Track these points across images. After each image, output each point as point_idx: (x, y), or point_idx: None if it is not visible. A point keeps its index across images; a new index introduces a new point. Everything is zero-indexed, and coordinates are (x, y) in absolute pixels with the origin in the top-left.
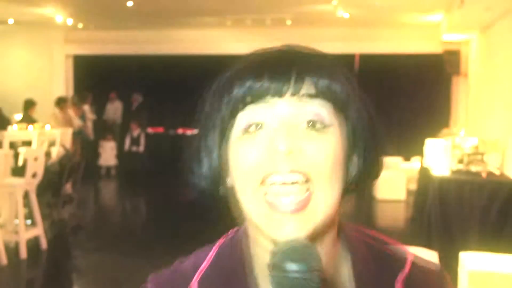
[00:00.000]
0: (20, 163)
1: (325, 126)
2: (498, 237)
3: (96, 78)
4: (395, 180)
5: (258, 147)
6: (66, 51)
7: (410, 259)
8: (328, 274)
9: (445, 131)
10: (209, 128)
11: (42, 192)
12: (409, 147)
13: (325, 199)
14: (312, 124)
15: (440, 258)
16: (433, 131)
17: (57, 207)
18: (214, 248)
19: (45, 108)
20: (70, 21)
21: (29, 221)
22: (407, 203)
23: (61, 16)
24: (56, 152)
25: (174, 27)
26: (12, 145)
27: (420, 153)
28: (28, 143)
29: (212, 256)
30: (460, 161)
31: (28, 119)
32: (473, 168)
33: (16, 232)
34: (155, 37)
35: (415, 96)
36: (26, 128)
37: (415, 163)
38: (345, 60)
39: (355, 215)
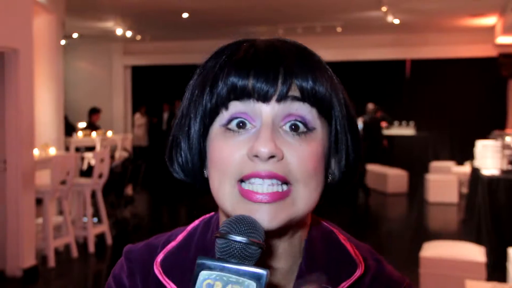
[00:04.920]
0: (85, 167)
1: (308, 130)
2: None
3: (152, 87)
4: (447, 184)
5: (240, 146)
6: (124, 62)
7: (371, 267)
8: (285, 263)
9: (496, 132)
10: (191, 118)
11: (107, 192)
12: (463, 151)
13: (302, 200)
14: (295, 128)
15: (488, 253)
16: (487, 135)
17: (120, 206)
18: (187, 228)
19: (106, 115)
20: (129, 34)
21: (95, 219)
22: (459, 206)
23: (120, 29)
24: (119, 155)
25: (227, 36)
26: (77, 150)
27: (472, 156)
28: (91, 148)
29: (183, 237)
30: (511, 162)
31: (92, 126)
32: None
33: (85, 229)
34: (209, 47)
35: (469, 100)
36: (90, 134)
37: (468, 166)
38: (396, 66)
39: (407, 218)
